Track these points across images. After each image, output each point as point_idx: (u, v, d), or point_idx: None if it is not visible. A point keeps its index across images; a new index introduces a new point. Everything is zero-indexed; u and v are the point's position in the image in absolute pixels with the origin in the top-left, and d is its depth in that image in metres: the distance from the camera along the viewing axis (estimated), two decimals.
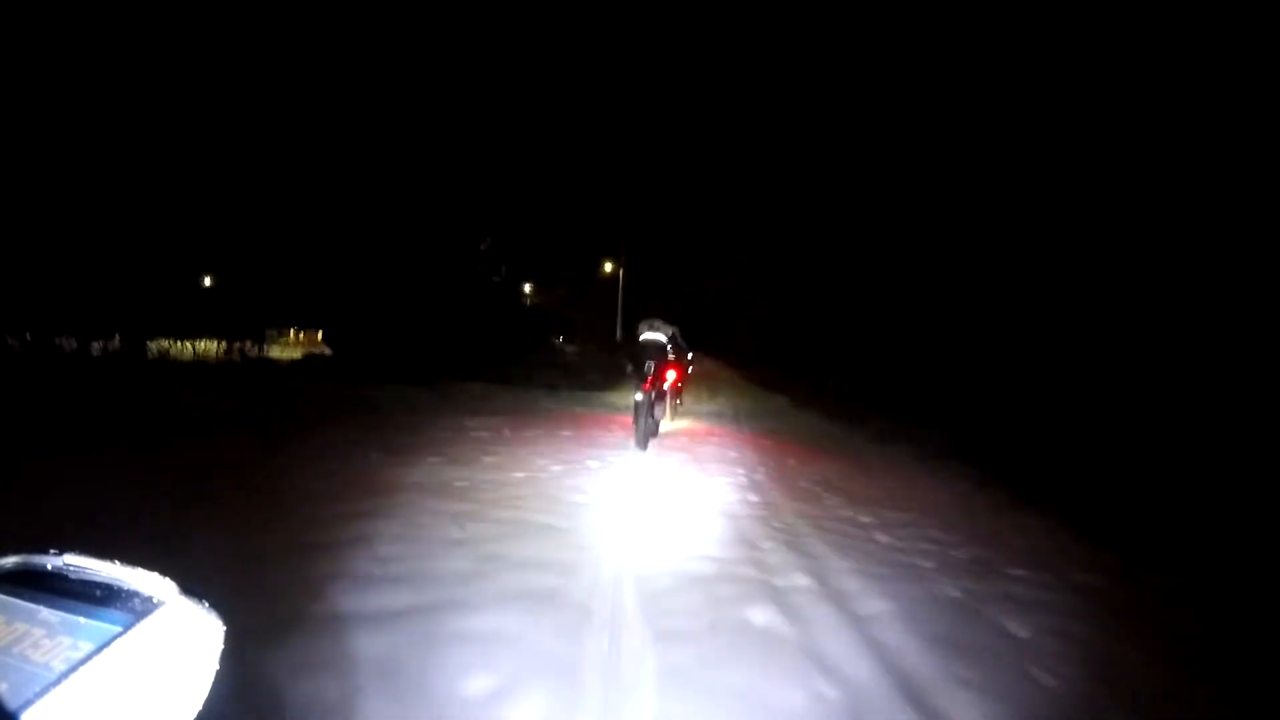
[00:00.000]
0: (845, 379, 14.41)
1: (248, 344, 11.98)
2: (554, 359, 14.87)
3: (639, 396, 5.50)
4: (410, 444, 4.97)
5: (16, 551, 0.47)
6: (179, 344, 11.25)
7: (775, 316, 22.48)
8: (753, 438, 7.13)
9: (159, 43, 10.94)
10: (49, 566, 0.46)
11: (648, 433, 5.55)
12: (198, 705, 0.41)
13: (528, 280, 20.80)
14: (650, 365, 5.76)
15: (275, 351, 13.69)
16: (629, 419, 6.05)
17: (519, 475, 4.16)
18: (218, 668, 0.43)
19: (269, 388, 8.49)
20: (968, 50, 12.20)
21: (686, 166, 26.83)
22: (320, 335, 15.31)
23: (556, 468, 4.50)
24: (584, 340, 19.22)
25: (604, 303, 21.66)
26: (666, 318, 6.45)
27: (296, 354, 13.82)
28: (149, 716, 0.40)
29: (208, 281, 13.34)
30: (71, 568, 0.46)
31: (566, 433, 6.24)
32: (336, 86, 12.70)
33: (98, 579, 0.45)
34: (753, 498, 4.11)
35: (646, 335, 6.09)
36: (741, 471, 4.95)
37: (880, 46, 15.29)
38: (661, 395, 6.27)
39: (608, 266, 22.69)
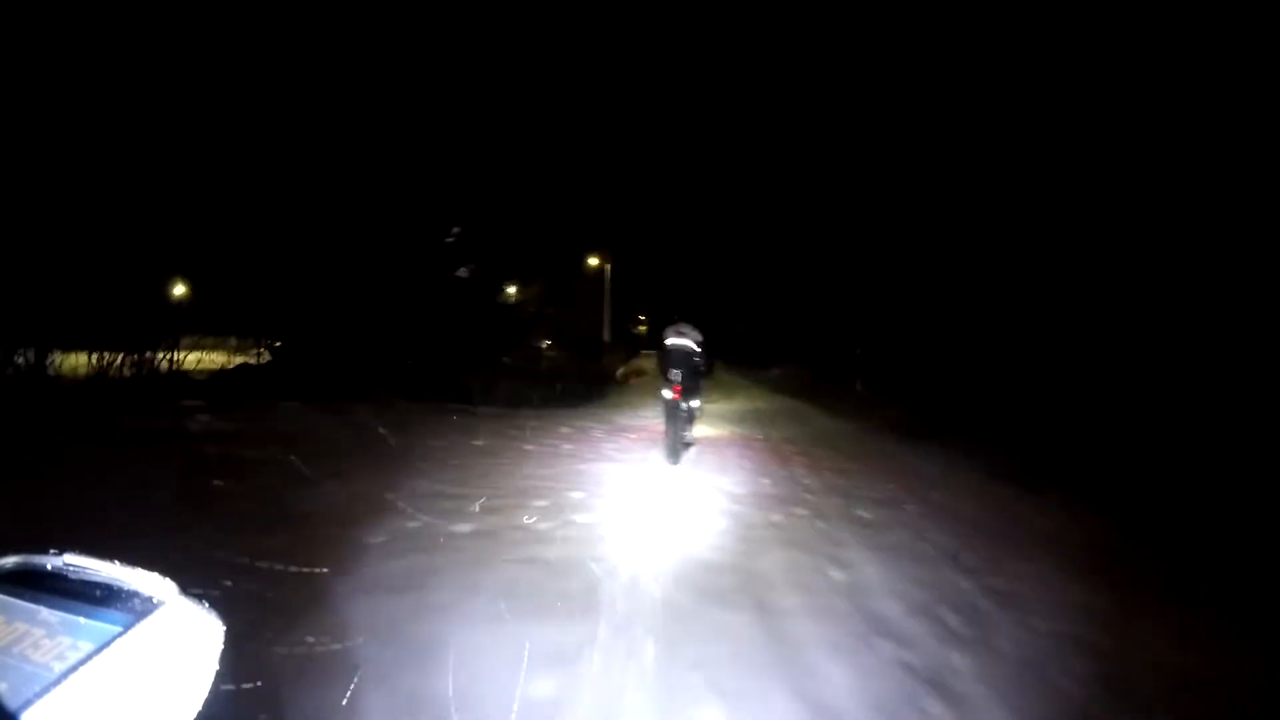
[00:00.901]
0: (873, 378, 13.54)
1: (157, 355, 9.91)
2: (527, 366, 14.12)
3: (669, 403, 5.60)
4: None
5: (16, 551, 0.47)
6: (59, 356, 8.80)
7: (783, 313, 21.49)
8: (810, 472, 5.73)
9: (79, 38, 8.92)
10: (49, 566, 0.47)
11: (678, 444, 5.59)
12: (198, 705, 0.42)
13: (503, 276, 20.39)
14: (678, 373, 5.72)
15: (194, 361, 10.97)
16: (637, 470, 5.51)
17: None
18: (218, 668, 0.44)
19: (90, 416, 5.49)
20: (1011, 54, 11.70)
21: (681, 152, 25.45)
22: (256, 342, 13.61)
23: None
24: (566, 343, 18.27)
25: (588, 301, 20.90)
26: (690, 322, 6.13)
27: (220, 364, 11.72)
28: (149, 716, 0.41)
29: (174, 287, 11.63)
30: (71, 568, 0.46)
31: (489, 521, 3.40)
32: (283, 54, 10.73)
33: (98, 579, 0.46)
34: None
35: (674, 341, 5.97)
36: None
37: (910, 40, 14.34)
38: (691, 402, 6.11)
39: (593, 261, 21.82)
